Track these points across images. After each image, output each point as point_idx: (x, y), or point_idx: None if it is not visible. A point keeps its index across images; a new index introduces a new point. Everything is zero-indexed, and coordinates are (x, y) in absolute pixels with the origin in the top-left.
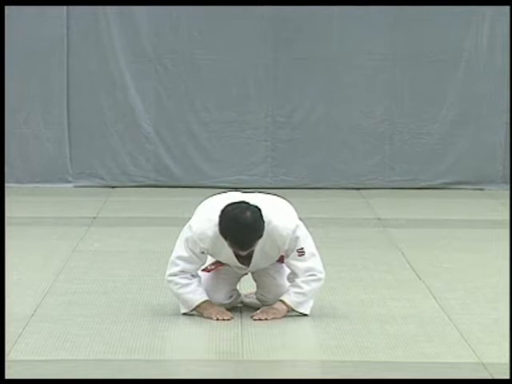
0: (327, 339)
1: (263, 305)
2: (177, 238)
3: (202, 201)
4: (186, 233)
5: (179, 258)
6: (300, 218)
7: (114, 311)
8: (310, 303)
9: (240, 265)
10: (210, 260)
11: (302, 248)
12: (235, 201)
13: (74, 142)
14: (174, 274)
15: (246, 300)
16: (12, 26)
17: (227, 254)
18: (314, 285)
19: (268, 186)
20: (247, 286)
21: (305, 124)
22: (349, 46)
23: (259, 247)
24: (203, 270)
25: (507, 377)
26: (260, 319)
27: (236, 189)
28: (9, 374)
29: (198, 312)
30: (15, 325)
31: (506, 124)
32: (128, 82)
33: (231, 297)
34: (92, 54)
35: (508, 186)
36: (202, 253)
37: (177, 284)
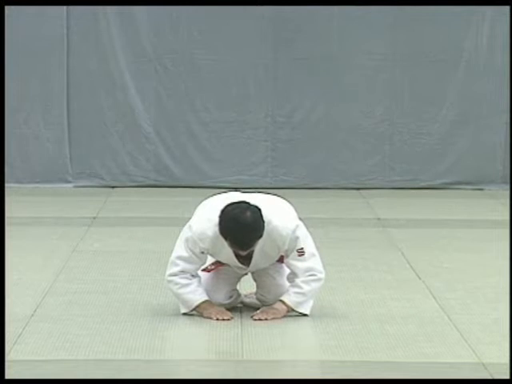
0: (327, 339)
1: (263, 305)
2: (177, 238)
3: (202, 201)
4: (185, 233)
5: (179, 257)
6: (300, 218)
7: (113, 311)
8: (310, 303)
9: (240, 265)
10: (210, 260)
11: (302, 248)
12: (235, 201)
13: (74, 141)
14: (174, 274)
15: (246, 300)
16: (12, 26)
17: (227, 254)
18: (314, 285)
19: (268, 186)
20: (247, 286)
21: (305, 124)
22: (349, 45)
23: (259, 247)
24: (203, 270)
25: (507, 377)
26: (260, 319)
27: (236, 189)
28: (9, 374)
29: (197, 312)
30: (15, 325)
31: (506, 124)
32: (128, 82)
33: (231, 297)
34: (92, 54)
35: (508, 186)
36: (202, 253)
37: (177, 284)
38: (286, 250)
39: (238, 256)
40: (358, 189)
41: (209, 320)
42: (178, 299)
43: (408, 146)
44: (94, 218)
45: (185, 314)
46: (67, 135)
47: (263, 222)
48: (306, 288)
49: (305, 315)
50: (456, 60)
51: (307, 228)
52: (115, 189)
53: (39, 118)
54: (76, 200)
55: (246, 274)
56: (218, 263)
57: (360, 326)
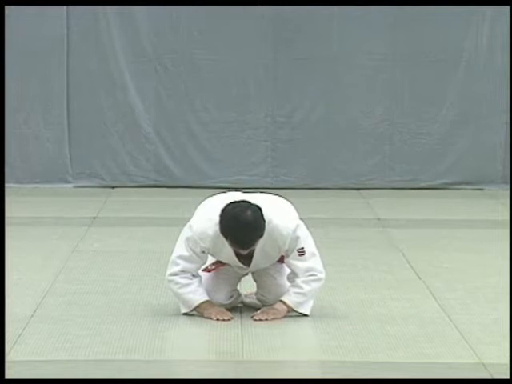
0: (327, 339)
1: (263, 305)
2: (177, 238)
3: (202, 201)
4: (186, 232)
5: (180, 257)
6: (300, 218)
7: (113, 311)
8: (310, 303)
9: (241, 264)
10: (210, 260)
11: (303, 248)
12: (235, 200)
13: (73, 142)
14: (175, 274)
15: (247, 300)
16: (12, 26)
17: (228, 253)
18: (315, 285)
19: (268, 186)
20: (247, 287)
21: (305, 124)
22: (349, 45)
23: (260, 247)
24: (203, 269)
25: (507, 377)
26: (260, 319)
27: (236, 189)
28: (8, 375)
29: (198, 312)
30: (15, 325)
31: (506, 124)
32: (128, 82)
33: (231, 297)
34: (92, 54)
35: (508, 186)
36: (203, 252)
37: (177, 284)
38: (287, 250)
39: (238, 256)
40: (358, 189)
41: (209, 320)
42: (179, 299)
43: (408, 146)
44: (94, 218)
45: (185, 314)
46: (67, 135)
47: (264, 221)
48: (306, 288)
49: (305, 315)
50: (456, 60)
51: (307, 228)
52: (115, 189)
53: (39, 117)
54: (76, 200)
55: (247, 274)
56: (218, 263)
57: (360, 327)
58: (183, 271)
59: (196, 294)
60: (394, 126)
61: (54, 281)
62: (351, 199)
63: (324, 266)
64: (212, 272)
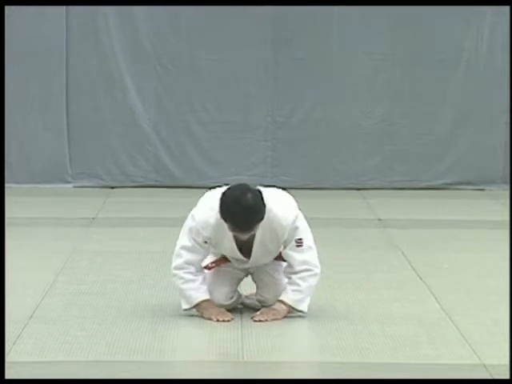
0: (328, 340)
1: (263, 306)
2: (176, 238)
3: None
4: (189, 223)
5: (183, 247)
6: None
7: (113, 312)
8: (308, 300)
9: (241, 256)
10: (210, 258)
11: (301, 239)
12: (236, 184)
13: (73, 142)
14: (179, 268)
15: (247, 301)
16: (12, 26)
17: (229, 242)
18: (311, 280)
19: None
20: (248, 288)
21: (305, 124)
22: (349, 46)
23: (259, 239)
24: (204, 267)
25: (507, 377)
26: (260, 320)
27: None
28: (8, 375)
29: (198, 312)
30: (14, 326)
31: (506, 124)
32: (128, 83)
33: (232, 298)
34: (92, 54)
35: (508, 186)
36: (205, 242)
37: (181, 278)
38: (285, 240)
39: (238, 243)
40: (358, 189)
41: (209, 321)
42: (180, 294)
43: (408, 146)
44: (94, 218)
45: (185, 311)
46: (67, 135)
47: (264, 205)
48: (303, 285)
49: (303, 312)
50: (456, 60)
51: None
52: (115, 189)
53: (39, 118)
54: (75, 200)
55: (247, 275)
56: (218, 261)
57: (360, 327)
58: (187, 263)
59: (198, 291)
60: (394, 126)
61: (53, 281)
62: (351, 199)
63: (323, 266)
64: (212, 272)
